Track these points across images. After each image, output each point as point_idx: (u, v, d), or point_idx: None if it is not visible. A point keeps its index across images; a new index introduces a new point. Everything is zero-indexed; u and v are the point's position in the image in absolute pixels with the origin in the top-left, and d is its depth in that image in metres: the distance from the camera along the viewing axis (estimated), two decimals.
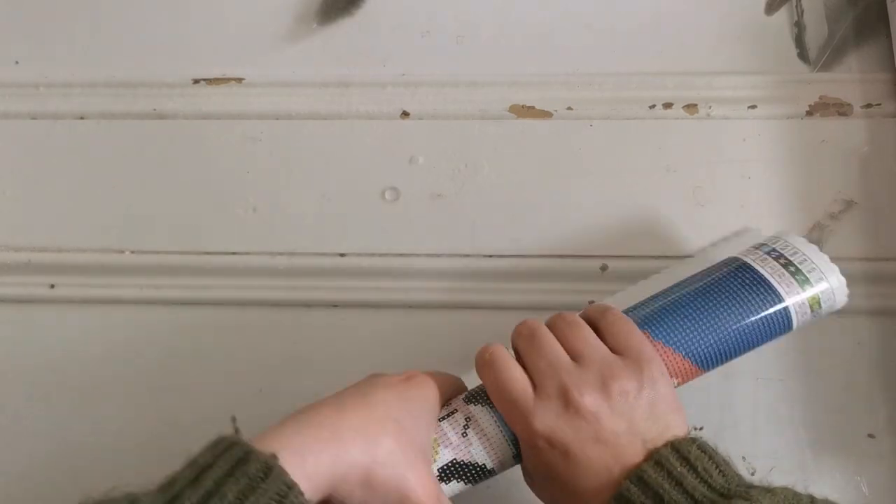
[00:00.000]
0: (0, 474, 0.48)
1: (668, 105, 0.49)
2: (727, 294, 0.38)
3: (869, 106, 0.49)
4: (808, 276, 0.38)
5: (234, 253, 0.49)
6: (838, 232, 0.48)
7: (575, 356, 0.36)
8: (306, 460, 0.30)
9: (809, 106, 0.49)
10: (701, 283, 0.39)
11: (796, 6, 0.50)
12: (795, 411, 0.46)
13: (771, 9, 0.50)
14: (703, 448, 0.33)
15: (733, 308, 0.37)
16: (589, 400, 0.34)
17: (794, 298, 0.38)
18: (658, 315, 0.38)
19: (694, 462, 0.32)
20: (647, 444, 0.33)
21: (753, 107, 0.49)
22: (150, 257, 0.49)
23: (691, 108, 0.49)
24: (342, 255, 0.49)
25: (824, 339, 0.47)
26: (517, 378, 0.36)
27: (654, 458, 0.32)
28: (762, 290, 0.37)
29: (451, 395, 0.39)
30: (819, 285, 0.38)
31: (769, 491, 0.30)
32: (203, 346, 0.48)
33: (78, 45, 0.52)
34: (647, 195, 0.49)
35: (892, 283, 0.47)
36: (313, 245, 0.49)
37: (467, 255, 0.49)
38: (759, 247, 0.40)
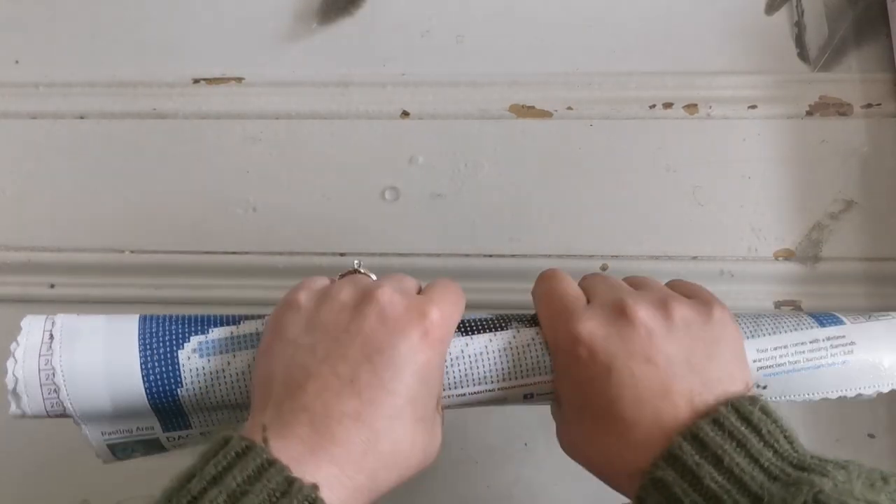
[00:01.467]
0: (0, 474, 0.48)
1: (668, 105, 0.49)
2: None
3: (869, 106, 0.49)
4: None
5: (234, 253, 0.49)
6: (838, 232, 0.48)
7: (639, 288, 0.33)
8: (342, 499, 0.26)
9: (809, 106, 0.49)
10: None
11: (796, 6, 0.50)
12: (795, 411, 0.46)
13: (771, 9, 0.50)
14: (767, 410, 0.28)
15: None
16: (645, 313, 0.30)
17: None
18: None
19: (758, 424, 0.27)
20: (704, 389, 0.28)
21: (753, 107, 0.49)
22: (150, 257, 0.49)
23: (691, 108, 0.49)
24: (342, 255, 0.49)
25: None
26: (573, 290, 0.33)
27: (713, 415, 0.27)
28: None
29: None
30: None
31: (843, 466, 0.26)
32: None
33: (78, 45, 0.52)
34: (647, 195, 0.49)
35: (892, 283, 0.47)
36: (313, 245, 0.49)
37: (467, 255, 0.49)
38: None
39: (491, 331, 0.33)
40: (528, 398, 0.33)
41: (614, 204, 0.49)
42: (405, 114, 0.50)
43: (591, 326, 0.30)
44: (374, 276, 0.34)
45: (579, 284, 0.35)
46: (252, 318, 0.33)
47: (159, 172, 0.50)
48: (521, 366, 0.33)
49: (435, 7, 0.51)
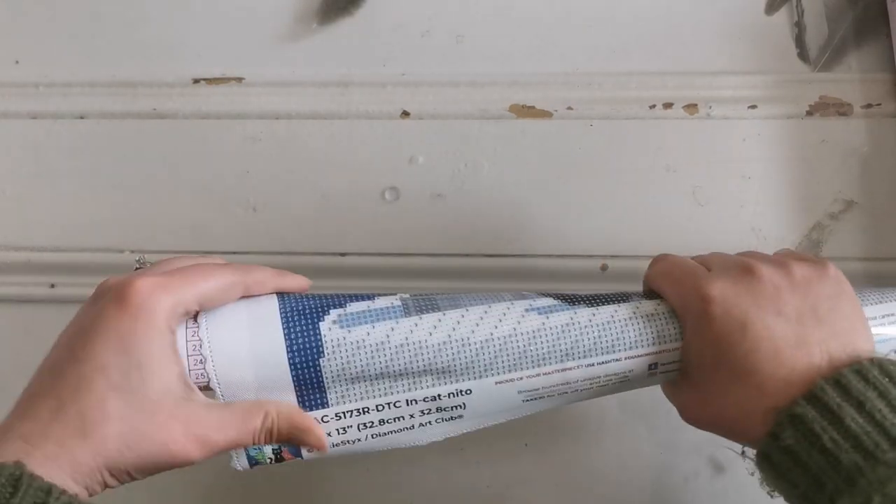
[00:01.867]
0: None
1: (668, 105, 0.49)
2: None
3: (869, 106, 0.49)
4: None
5: (234, 253, 0.49)
6: (838, 232, 0.48)
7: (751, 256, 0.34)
8: (46, 475, 0.26)
9: (809, 106, 0.49)
10: None
11: (796, 6, 0.50)
12: None
13: (771, 9, 0.50)
14: None
15: None
16: (769, 271, 0.31)
17: None
18: None
19: None
20: (835, 339, 0.30)
21: (753, 107, 0.49)
22: (150, 257, 0.49)
23: (691, 108, 0.49)
24: (342, 255, 0.49)
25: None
26: (692, 262, 0.34)
27: (855, 366, 0.28)
28: None
29: (211, 290, 0.32)
30: None
31: None
32: None
33: (78, 45, 0.52)
34: (647, 195, 0.49)
35: (892, 284, 0.47)
36: (313, 245, 0.49)
37: (467, 255, 0.49)
38: None
39: (615, 302, 0.34)
40: (651, 370, 0.34)
41: (614, 204, 0.49)
42: (405, 114, 0.50)
43: (722, 285, 0.31)
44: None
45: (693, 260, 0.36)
46: (385, 295, 0.34)
47: (159, 172, 0.50)
48: (648, 333, 0.33)
49: (435, 7, 0.51)
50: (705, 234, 0.48)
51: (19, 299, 0.50)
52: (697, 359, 0.32)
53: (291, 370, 0.31)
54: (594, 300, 0.34)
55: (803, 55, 0.50)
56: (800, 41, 0.50)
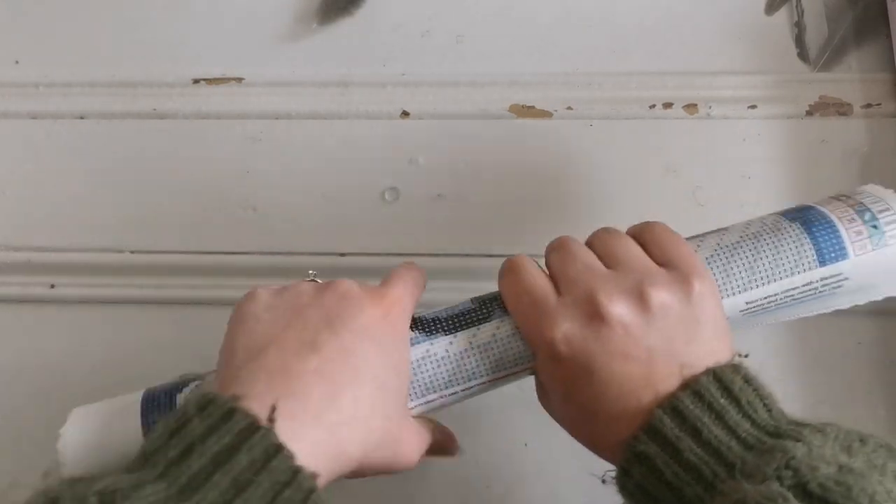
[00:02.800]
0: (0, 475, 0.48)
1: (668, 105, 0.49)
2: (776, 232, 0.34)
3: (869, 106, 0.49)
4: (870, 207, 0.33)
5: (234, 253, 0.49)
6: None
7: (611, 264, 0.31)
8: (304, 460, 0.26)
9: (809, 106, 0.49)
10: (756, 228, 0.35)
11: (796, 6, 0.50)
12: (795, 411, 0.46)
13: (771, 9, 0.50)
14: (748, 378, 0.28)
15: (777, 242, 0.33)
16: (620, 309, 0.29)
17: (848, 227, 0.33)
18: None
19: (738, 394, 0.27)
20: (685, 370, 0.29)
21: (753, 107, 0.49)
22: (150, 257, 0.49)
23: (691, 108, 0.49)
24: (342, 255, 0.49)
25: (824, 339, 0.47)
26: (539, 283, 0.32)
27: (693, 387, 0.28)
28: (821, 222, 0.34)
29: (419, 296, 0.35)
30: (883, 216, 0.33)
31: (819, 430, 0.27)
32: (203, 346, 0.48)
33: (78, 45, 0.52)
34: (647, 195, 0.49)
35: None
36: (313, 245, 0.49)
37: (467, 255, 0.49)
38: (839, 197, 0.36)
39: (475, 325, 0.34)
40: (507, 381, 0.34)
41: (614, 204, 0.49)
42: (405, 114, 0.50)
43: (566, 329, 0.30)
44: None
45: (546, 262, 0.34)
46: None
47: (159, 172, 0.50)
48: (506, 358, 0.33)
49: (435, 7, 0.51)
50: None
51: (19, 299, 0.50)
52: (549, 387, 0.33)
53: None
54: (458, 322, 0.34)
55: (803, 55, 0.50)
56: (800, 41, 0.50)
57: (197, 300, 0.49)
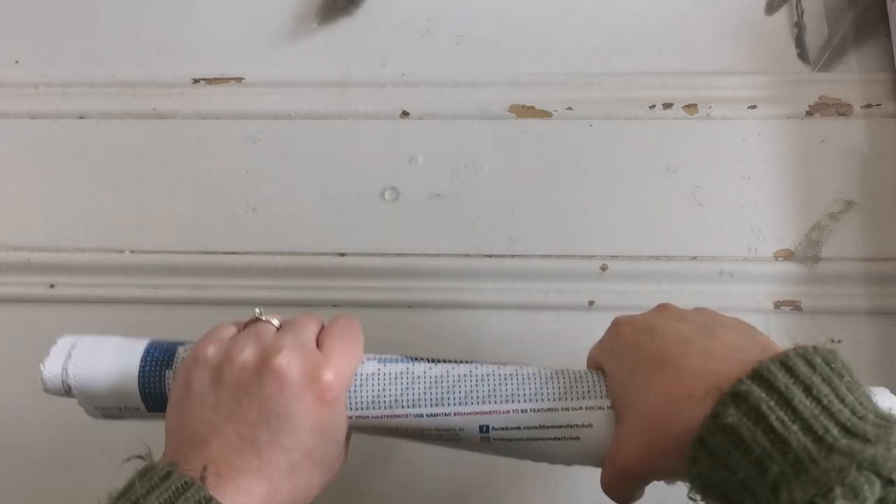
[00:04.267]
0: (0, 474, 0.48)
1: (668, 105, 0.49)
2: None
3: (869, 106, 0.49)
4: None
5: (234, 253, 0.49)
6: (838, 232, 0.48)
7: None
8: None
9: (809, 106, 0.49)
10: None
11: (796, 6, 0.50)
12: None
13: (771, 9, 0.50)
14: (846, 366, 0.27)
15: None
16: (672, 306, 0.34)
17: None
18: None
19: (841, 371, 0.26)
20: (748, 339, 0.30)
21: (753, 107, 0.49)
22: (150, 257, 0.49)
23: (691, 108, 0.49)
24: (342, 255, 0.49)
25: (824, 339, 0.47)
26: None
27: (801, 351, 0.27)
28: None
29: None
30: None
31: None
32: None
33: (78, 45, 0.52)
34: (647, 195, 0.49)
35: (892, 283, 0.47)
36: (313, 245, 0.49)
37: (467, 255, 0.49)
38: None
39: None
40: (483, 433, 0.33)
41: (614, 204, 0.49)
42: (405, 114, 0.50)
43: (628, 316, 0.34)
44: (275, 323, 0.35)
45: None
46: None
47: (159, 172, 0.50)
48: (480, 391, 0.34)
49: (435, 7, 0.51)
50: (705, 234, 0.48)
51: (19, 299, 0.50)
52: (616, 381, 0.32)
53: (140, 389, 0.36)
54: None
55: (803, 55, 0.50)
56: (800, 41, 0.50)
57: (197, 300, 0.49)
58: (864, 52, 0.49)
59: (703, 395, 0.27)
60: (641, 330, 0.33)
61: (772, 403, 0.25)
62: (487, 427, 0.33)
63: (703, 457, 0.26)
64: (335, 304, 0.48)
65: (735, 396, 0.26)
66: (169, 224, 0.50)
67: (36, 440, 0.48)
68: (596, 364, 0.35)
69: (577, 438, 0.32)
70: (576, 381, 0.33)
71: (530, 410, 0.33)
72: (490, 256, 0.49)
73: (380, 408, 0.34)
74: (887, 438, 0.24)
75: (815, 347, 0.27)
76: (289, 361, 0.32)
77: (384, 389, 0.34)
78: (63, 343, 0.37)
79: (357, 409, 0.34)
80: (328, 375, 0.32)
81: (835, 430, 0.24)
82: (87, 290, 0.49)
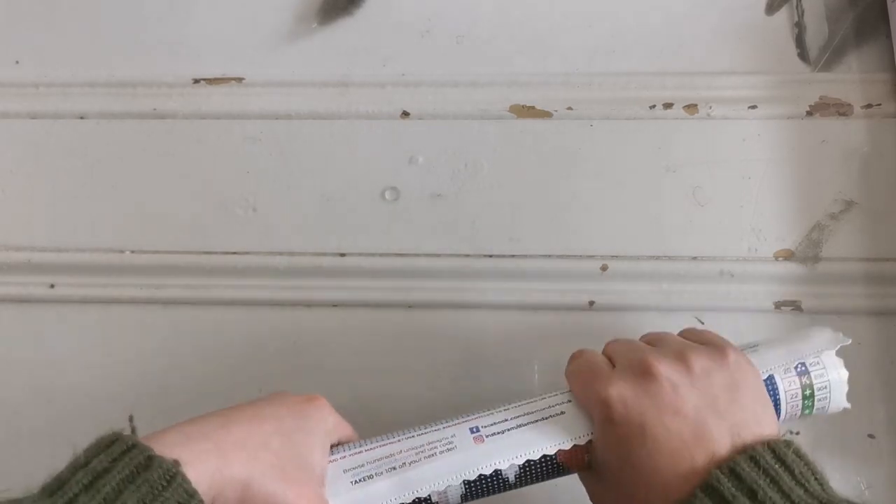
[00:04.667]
0: (0, 474, 0.48)
1: (668, 105, 0.49)
2: None
3: (869, 106, 0.49)
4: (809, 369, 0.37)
5: (234, 253, 0.49)
6: (838, 232, 0.48)
7: (656, 344, 0.35)
8: (188, 472, 0.28)
9: (809, 106, 0.49)
10: None
11: (796, 6, 0.50)
12: None
13: (771, 9, 0.50)
14: (799, 453, 0.30)
15: None
16: (666, 368, 0.32)
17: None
18: None
19: (791, 465, 0.29)
20: (735, 431, 0.31)
21: (753, 107, 0.49)
22: (150, 257, 0.49)
23: (691, 108, 0.49)
24: (342, 255, 0.49)
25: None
26: (598, 359, 0.36)
27: (749, 452, 0.29)
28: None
29: (347, 435, 0.38)
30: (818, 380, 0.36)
31: None
32: (203, 346, 0.48)
33: (78, 45, 0.52)
34: (647, 195, 0.49)
35: (892, 283, 0.47)
36: (313, 245, 0.49)
37: (467, 255, 0.49)
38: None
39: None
40: (475, 433, 0.35)
41: (614, 204, 0.49)
42: (405, 114, 0.50)
43: (620, 388, 0.33)
44: None
45: (603, 351, 0.37)
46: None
47: (159, 172, 0.50)
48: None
49: (435, 7, 0.51)
50: (705, 234, 0.48)
51: (19, 299, 0.50)
52: (604, 458, 0.34)
53: None
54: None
55: (803, 55, 0.50)
56: (800, 41, 0.50)
57: (197, 300, 0.49)
58: (865, 52, 0.49)
59: None
60: (633, 425, 0.32)
61: None
62: (477, 427, 0.35)
63: None
64: (335, 305, 0.48)
65: None
66: (169, 224, 0.50)
67: (36, 440, 0.48)
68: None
69: (563, 413, 0.35)
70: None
71: (513, 407, 0.36)
72: (490, 256, 0.49)
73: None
74: None
75: (768, 443, 0.30)
76: (314, 403, 0.37)
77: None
78: None
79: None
80: (318, 397, 0.37)
81: None
82: (87, 290, 0.49)
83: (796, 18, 0.50)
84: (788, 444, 0.30)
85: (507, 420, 0.35)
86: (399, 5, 0.51)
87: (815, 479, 0.29)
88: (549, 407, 0.36)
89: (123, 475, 0.27)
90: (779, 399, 0.36)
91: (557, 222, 0.49)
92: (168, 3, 0.52)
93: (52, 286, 0.49)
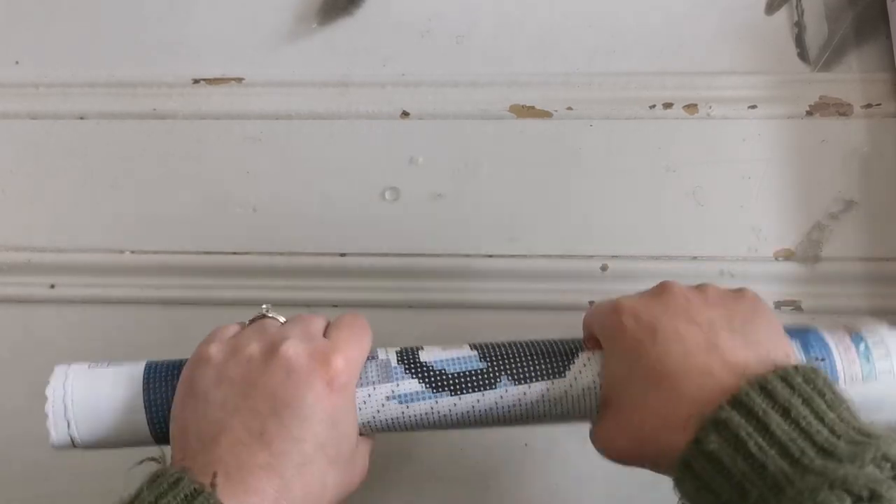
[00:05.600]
0: (0, 474, 0.48)
1: (668, 105, 0.49)
2: None
3: (869, 106, 0.49)
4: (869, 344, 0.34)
5: (234, 253, 0.49)
6: (838, 232, 0.48)
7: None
8: None
9: (809, 106, 0.49)
10: None
11: (796, 6, 0.50)
12: None
13: (771, 9, 0.50)
14: (829, 383, 0.28)
15: None
16: (682, 288, 0.32)
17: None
18: None
19: (822, 390, 0.27)
20: (750, 349, 0.29)
21: (753, 107, 0.49)
22: (150, 257, 0.49)
23: (691, 108, 0.49)
24: (342, 255, 0.49)
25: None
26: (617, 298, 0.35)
27: (780, 372, 0.27)
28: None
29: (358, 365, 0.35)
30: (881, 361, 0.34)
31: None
32: None
33: (78, 45, 0.52)
34: (647, 195, 0.49)
35: (892, 283, 0.47)
36: (313, 245, 0.49)
37: (467, 255, 0.49)
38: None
39: (480, 389, 0.34)
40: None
41: (614, 204, 0.49)
42: (405, 114, 0.50)
43: (633, 299, 0.33)
44: (281, 319, 0.35)
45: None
46: None
47: (159, 172, 0.50)
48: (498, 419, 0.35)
49: (435, 7, 0.51)
50: (705, 234, 0.48)
51: (19, 299, 0.50)
52: (613, 377, 0.32)
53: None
54: (459, 386, 0.34)
55: (803, 55, 0.50)
56: (800, 41, 0.50)
57: (197, 300, 0.49)
58: (864, 51, 0.49)
59: (690, 420, 0.28)
60: (644, 329, 0.31)
61: (750, 430, 0.26)
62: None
63: (688, 478, 0.28)
64: (335, 305, 0.48)
65: (716, 424, 0.27)
66: (169, 224, 0.50)
67: (36, 440, 0.48)
68: (591, 336, 0.35)
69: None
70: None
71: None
72: (490, 256, 0.49)
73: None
74: (861, 456, 0.24)
75: (796, 367, 0.28)
76: (296, 349, 0.32)
77: (404, 424, 0.35)
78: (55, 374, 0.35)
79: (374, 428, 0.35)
80: (337, 361, 0.32)
81: (811, 452, 0.25)
82: (87, 291, 0.49)
83: (796, 18, 0.50)
84: (817, 371, 0.28)
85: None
86: (399, 5, 0.51)
87: (846, 407, 0.27)
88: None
89: None
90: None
91: (557, 222, 0.49)
92: (168, 3, 0.52)
93: (52, 286, 0.49)
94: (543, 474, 0.47)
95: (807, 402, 0.27)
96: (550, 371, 0.34)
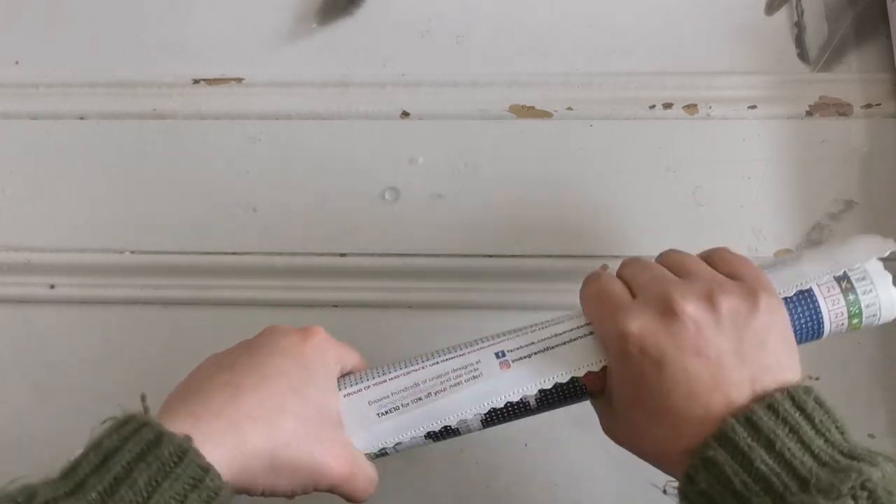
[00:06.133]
0: (0, 474, 0.48)
1: (668, 105, 0.49)
2: None
3: (869, 106, 0.49)
4: (854, 284, 0.34)
5: (234, 253, 0.49)
6: (838, 232, 0.48)
7: (681, 274, 0.32)
8: (205, 452, 0.27)
9: (809, 106, 0.49)
10: None
11: (796, 6, 0.50)
12: None
13: (771, 9, 0.50)
14: (819, 400, 0.29)
15: None
16: (691, 308, 0.30)
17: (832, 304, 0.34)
18: None
19: (811, 413, 0.28)
20: (756, 379, 0.29)
21: (753, 107, 0.49)
22: (150, 257, 0.49)
23: (691, 108, 0.49)
24: (342, 255, 0.49)
25: (824, 339, 0.46)
26: (617, 287, 0.33)
27: (767, 400, 0.28)
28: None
29: (353, 363, 0.37)
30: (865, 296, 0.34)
31: (892, 459, 0.27)
32: (203, 346, 0.48)
33: (78, 45, 0.52)
34: (647, 195, 0.49)
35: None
36: (313, 245, 0.49)
37: (467, 255, 0.49)
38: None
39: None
40: (501, 358, 0.34)
41: (614, 204, 0.49)
42: (405, 114, 0.50)
43: (640, 323, 0.31)
44: None
45: (619, 273, 0.35)
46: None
47: (159, 172, 0.50)
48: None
49: (435, 7, 0.51)
50: (705, 234, 0.48)
51: (19, 299, 0.50)
52: (618, 391, 0.32)
53: None
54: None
55: (803, 55, 0.50)
56: (800, 41, 0.50)
57: (197, 300, 0.49)
58: (864, 52, 0.49)
59: (685, 455, 0.29)
60: (649, 362, 0.30)
61: (736, 467, 0.27)
62: (503, 351, 0.34)
63: (692, 495, 0.29)
64: (335, 305, 0.48)
65: (704, 462, 0.28)
66: (169, 224, 0.50)
67: (36, 440, 0.48)
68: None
69: (590, 334, 0.34)
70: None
71: (535, 329, 0.35)
72: (490, 256, 0.49)
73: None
74: (838, 488, 0.25)
75: (786, 390, 0.29)
76: (283, 326, 0.36)
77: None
78: None
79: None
80: (319, 330, 0.35)
81: (793, 486, 0.26)
82: (87, 291, 0.49)
83: (796, 18, 0.50)
84: (808, 390, 0.29)
85: (532, 343, 0.34)
86: (399, 5, 0.51)
87: (836, 427, 0.28)
88: (576, 328, 0.34)
89: (134, 453, 0.26)
90: (821, 318, 0.34)
91: (557, 222, 0.49)
92: (168, 3, 0.52)
93: (52, 286, 0.49)
94: (543, 474, 0.47)
95: (793, 430, 0.27)
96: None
